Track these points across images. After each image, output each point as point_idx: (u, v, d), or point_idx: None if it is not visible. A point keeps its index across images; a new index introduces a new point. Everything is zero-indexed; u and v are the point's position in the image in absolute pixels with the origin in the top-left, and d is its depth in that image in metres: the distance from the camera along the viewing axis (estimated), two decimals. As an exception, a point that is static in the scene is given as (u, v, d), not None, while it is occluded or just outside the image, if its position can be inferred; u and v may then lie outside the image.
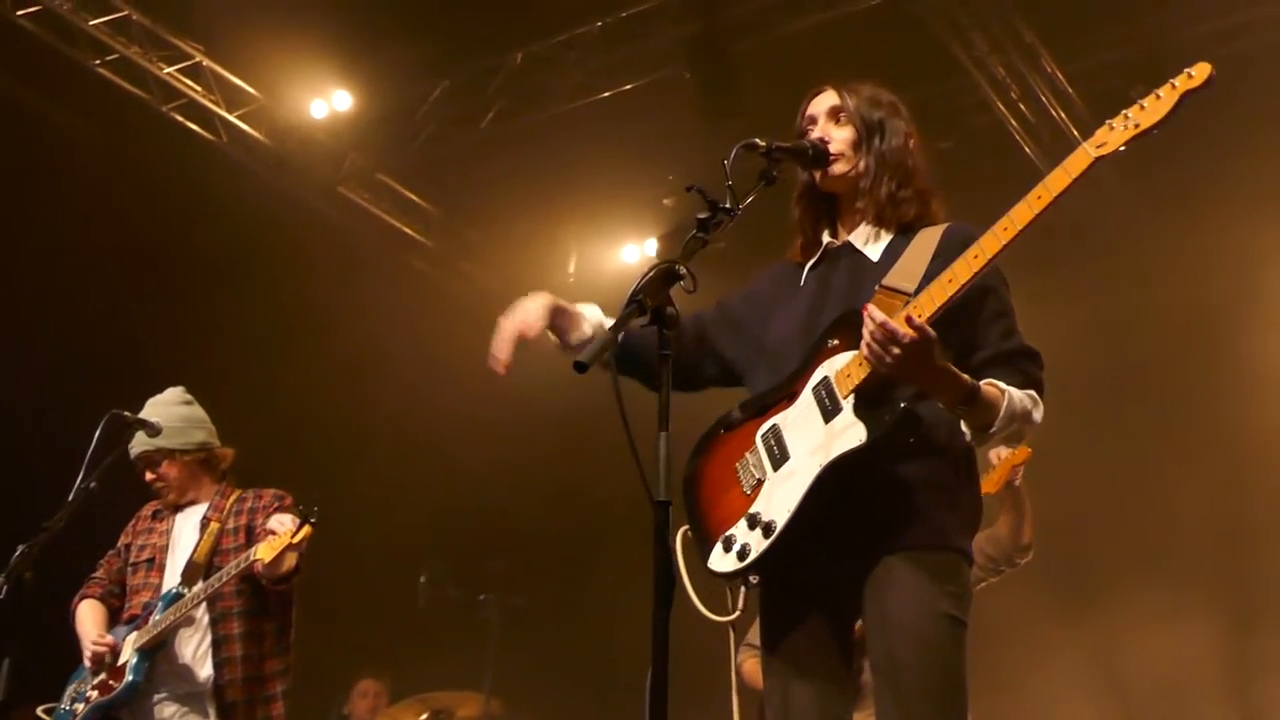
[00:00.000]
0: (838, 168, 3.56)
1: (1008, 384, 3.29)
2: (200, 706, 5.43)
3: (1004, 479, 5.91)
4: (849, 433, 3.23)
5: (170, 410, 5.77)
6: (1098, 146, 3.11)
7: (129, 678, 5.38)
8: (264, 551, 5.18)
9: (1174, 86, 3.02)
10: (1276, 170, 8.35)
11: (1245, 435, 8.84)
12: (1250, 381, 8.87)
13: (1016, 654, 8.24)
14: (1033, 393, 3.35)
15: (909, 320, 3.08)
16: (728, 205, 3.19)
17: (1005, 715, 7.84)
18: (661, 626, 2.70)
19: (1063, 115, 8.91)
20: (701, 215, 3.17)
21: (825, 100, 3.66)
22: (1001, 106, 8.81)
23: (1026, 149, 8.99)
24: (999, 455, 5.93)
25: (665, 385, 2.90)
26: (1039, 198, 3.13)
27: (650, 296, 2.93)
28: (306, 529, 5.16)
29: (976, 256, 3.16)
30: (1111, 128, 3.10)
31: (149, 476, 5.75)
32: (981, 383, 3.25)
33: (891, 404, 3.20)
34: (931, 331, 3.09)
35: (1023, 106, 8.85)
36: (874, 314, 3.11)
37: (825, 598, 3.41)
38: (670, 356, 2.93)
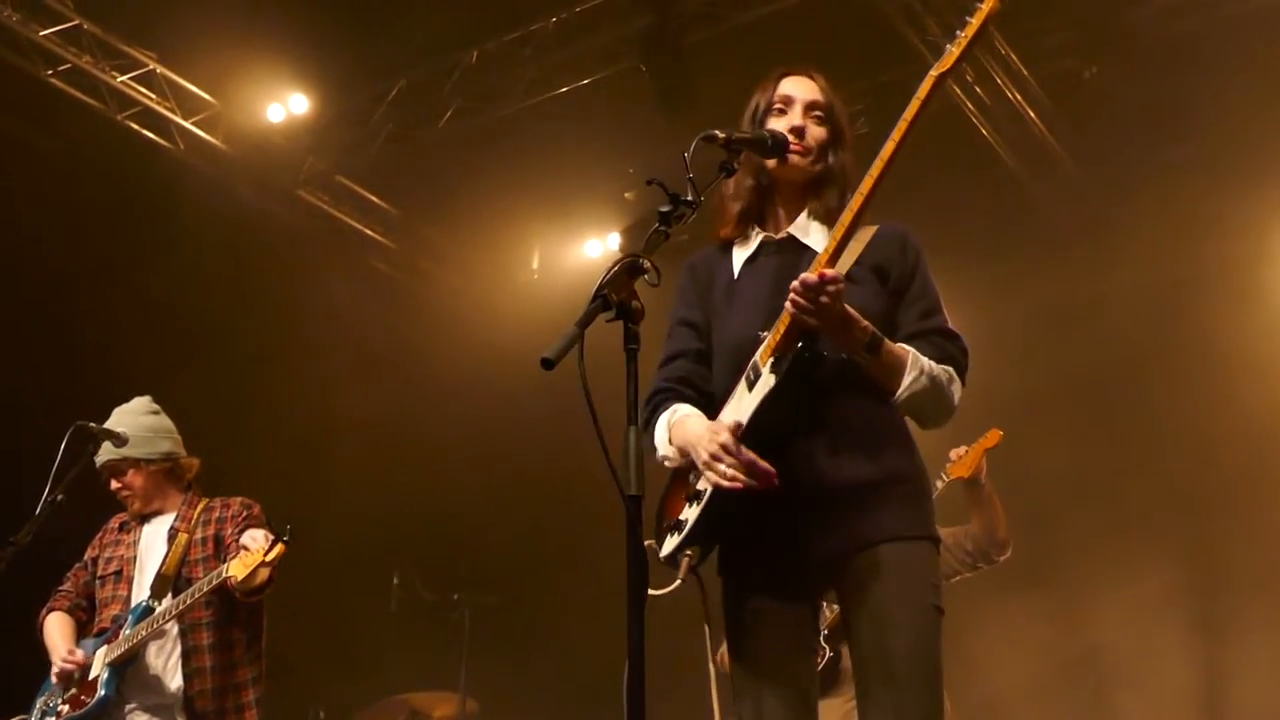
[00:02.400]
0: (798, 161, 3.58)
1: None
2: (171, 717, 5.41)
3: (976, 463, 5.94)
4: (763, 388, 3.31)
5: (136, 419, 5.74)
6: (939, 67, 3.39)
7: (101, 692, 5.35)
8: (236, 569, 5.15)
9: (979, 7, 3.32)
10: (1232, 145, 8.40)
11: (1208, 410, 8.89)
12: (1214, 358, 8.92)
13: (980, 630, 8.29)
14: (949, 369, 3.45)
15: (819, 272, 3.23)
16: (689, 197, 3.20)
17: (970, 692, 7.89)
18: (636, 622, 2.71)
19: (1018, 97, 8.95)
20: (663, 208, 3.17)
21: (805, 89, 3.68)
22: (957, 90, 8.84)
23: (983, 131, 9.02)
24: (959, 453, 5.99)
25: (633, 379, 2.91)
26: (898, 128, 3.34)
27: (615, 291, 2.94)
28: (280, 547, 5.13)
29: (857, 196, 3.32)
30: (949, 51, 3.38)
31: (114, 486, 5.72)
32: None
33: (792, 350, 3.28)
34: (837, 272, 3.25)
35: (978, 89, 8.88)
36: (795, 283, 3.23)
37: (797, 590, 3.46)
38: (637, 351, 2.94)
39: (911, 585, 3.34)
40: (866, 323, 3.30)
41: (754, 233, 3.68)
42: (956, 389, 3.46)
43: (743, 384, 3.40)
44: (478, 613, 8.77)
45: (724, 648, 5.71)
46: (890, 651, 3.30)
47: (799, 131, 3.59)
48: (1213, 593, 8.93)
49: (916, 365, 3.36)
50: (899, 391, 3.37)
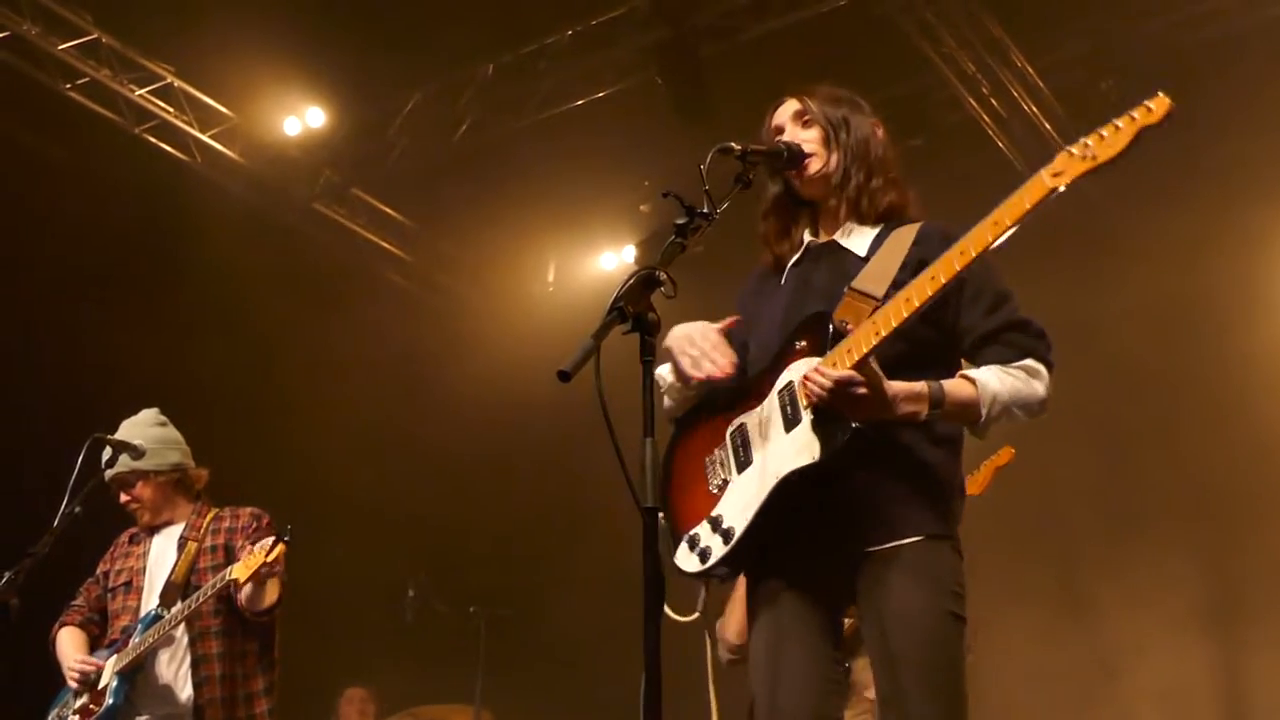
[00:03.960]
0: (813, 166, 3.58)
1: (999, 363, 3.34)
2: None
3: (988, 482, 5.91)
4: (805, 449, 3.24)
5: (145, 431, 5.75)
6: (1054, 175, 3.02)
7: (109, 701, 5.36)
8: (239, 571, 5.15)
9: (1133, 119, 2.95)
10: (1249, 157, 8.38)
11: (1225, 422, 8.86)
12: (1231, 370, 8.89)
13: (997, 644, 8.27)
14: (1029, 363, 3.37)
15: (859, 367, 3.15)
16: (705, 210, 3.20)
17: (986, 707, 7.87)
18: (653, 634, 2.70)
19: (1034, 109, 8.94)
20: (679, 221, 3.18)
21: (788, 108, 3.69)
22: (973, 102, 8.83)
23: (999, 143, 9.01)
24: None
25: (649, 392, 2.91)
26: (996, 224, 3.08)
27: (631, 303, 2.94)
28: (280, 547, 5.12)
29: (933, 279, 3.14)
30: (1071, 155, 3.00)
31: (124, 498, 5.72)
32: (945, 381, 3.29)
33: (844, 421, 3.20)
34: (878, 373, 3.16)
35: (994, 101, 8.87)
36: (825, 373, 3.16)
37: (815, 592, 3.40)
38: (653, 363, 2.94)
39: (924, 588, 3.26)
40: (919, 388, 3.24)
41: (802, 239, 3.68)
42: (1041, 383, 3.37)
43: (778, 414, 3.34)
44: (493, 625, 8.76)
45: (720, 621, 5.67)
46: (898, 659, 3.23)
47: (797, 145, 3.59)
48: (1232, 605, 8.89)
49: (986, 395, 3.28)
50: (978, 427, 3.33)
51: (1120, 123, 2.95)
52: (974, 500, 5.97)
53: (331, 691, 9.35)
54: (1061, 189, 2.99)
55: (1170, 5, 8.42)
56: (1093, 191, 9.23)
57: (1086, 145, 2.98)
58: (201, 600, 5.28)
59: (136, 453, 5.54)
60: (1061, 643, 8.97)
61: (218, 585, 5.25)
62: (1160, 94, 2.92)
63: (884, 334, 3.16)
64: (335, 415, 10.05)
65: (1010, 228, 3.05)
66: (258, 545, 5.24)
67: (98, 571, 5.85)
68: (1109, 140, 2.96)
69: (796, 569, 3.39)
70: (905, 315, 3.15)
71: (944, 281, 3.12)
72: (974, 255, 3.09)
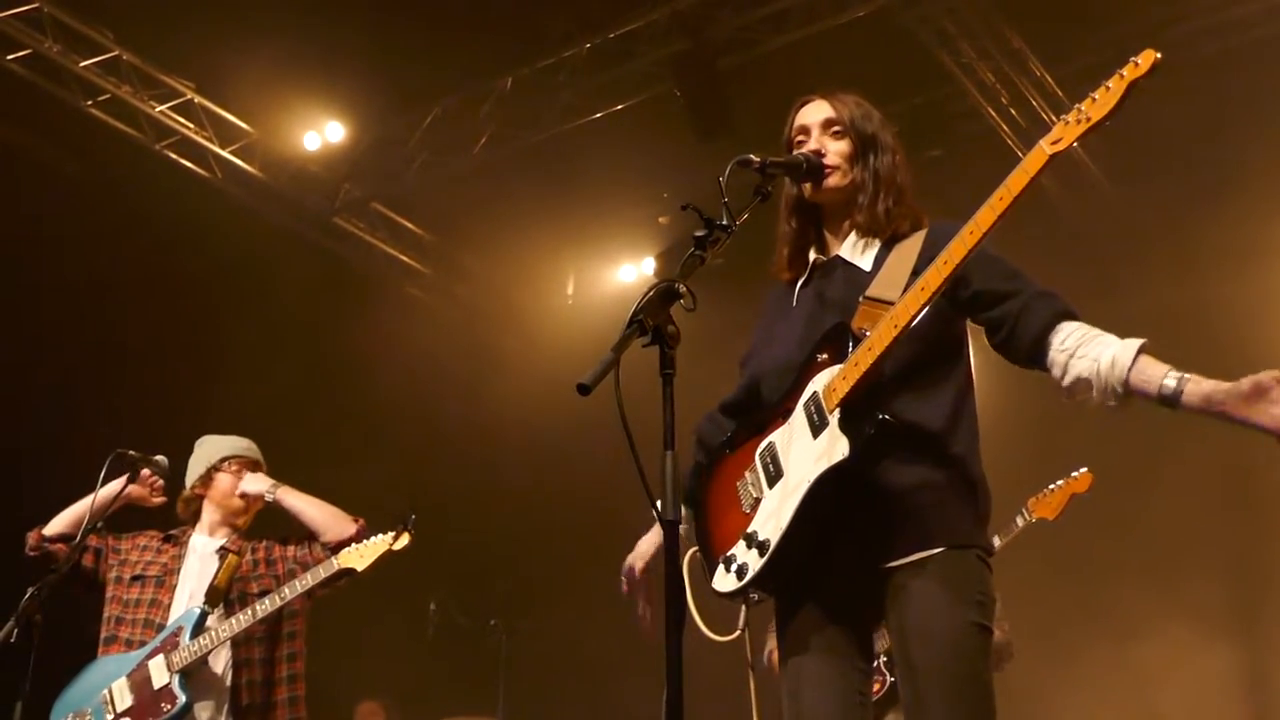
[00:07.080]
0: (832, 181, 3.54)
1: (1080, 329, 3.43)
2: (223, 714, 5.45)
3: (1063, 506, 5.86)
4: (834, 448, 3.22)
5: (256, 451, 6.01)
6: (1053, 143, 3.16)
7: (181, 698, 5.33)
8: (355, 561, 5.51)
9: (1122, 76, 3.07)
10: (1270, 166, 8.34)
11: (1246, 433, 8.81)
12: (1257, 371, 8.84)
13: (1037, 664, 8.24)
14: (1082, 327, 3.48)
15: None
16: (724, 222, 3.18)
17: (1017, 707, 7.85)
18: (675, 646, 2.69)
19: (1054, 119, 8.88)
20: (698, 233, 3.16)
21: (818, 111, 3.63)
22: (992, 112, 8.82)
23: (1019, 153, 8.96)
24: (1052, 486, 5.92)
25: (669, 405, 2.90)
26: (1000, 199, 3.17)
27: (650, 316, 2.92)
28: (407, 537, 5.34)
29: (946, 263, 3.17)
30: (1066, 123, 3.15)
31: (235, 467, 5.84)
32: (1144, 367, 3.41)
33: (871, 416, 3.19)
34: None
35: (1014, 111, 8.86)
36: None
37: (841, 608, 3.39)
38: (673, 376, 2.93)
39: (944, 598, 3.22)
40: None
41: (811, 257, 3.66)
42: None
43: (804, 424, 3.33)
44: (514, 637, 8.76)
45: (771, 644, 5.67)
46: (918, 670, 3.20)
47: (819, 154, 3.54)
48: (1257, 606, 8.86)
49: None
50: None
51: (1110, 83, 3.07)
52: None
53: (355, 704, 9.35)
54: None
55: (1191, 14, 8.39)
56: (1115, 200, 9.29)
57: (1080, 110, 3.12)
58: (307, 585, 5.44)
59: (157, 467, 5.56)
60: (1085, 646, 8.93)
61: (323, 575, 5.46)
62: (1148, 49, 3.04)
63: (902, 325, 3.17)
64: (353, 426, 10.06)
65: (1015, 199, 3.15)
66: (378, 536, 5.57)
67: (109, 540, 5.77)
68: (1101, 101, 3.10)
69: (822, 586, 3.37)
70: (922, 302, 3.17)
71: (956, 263, 3.15)
72: (983, 232, 3.14)
